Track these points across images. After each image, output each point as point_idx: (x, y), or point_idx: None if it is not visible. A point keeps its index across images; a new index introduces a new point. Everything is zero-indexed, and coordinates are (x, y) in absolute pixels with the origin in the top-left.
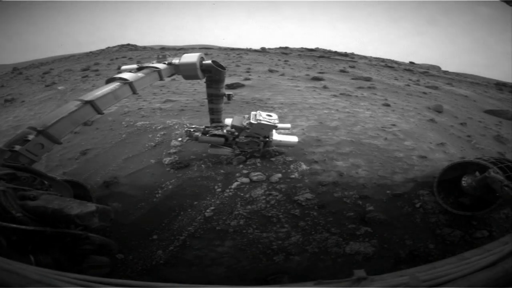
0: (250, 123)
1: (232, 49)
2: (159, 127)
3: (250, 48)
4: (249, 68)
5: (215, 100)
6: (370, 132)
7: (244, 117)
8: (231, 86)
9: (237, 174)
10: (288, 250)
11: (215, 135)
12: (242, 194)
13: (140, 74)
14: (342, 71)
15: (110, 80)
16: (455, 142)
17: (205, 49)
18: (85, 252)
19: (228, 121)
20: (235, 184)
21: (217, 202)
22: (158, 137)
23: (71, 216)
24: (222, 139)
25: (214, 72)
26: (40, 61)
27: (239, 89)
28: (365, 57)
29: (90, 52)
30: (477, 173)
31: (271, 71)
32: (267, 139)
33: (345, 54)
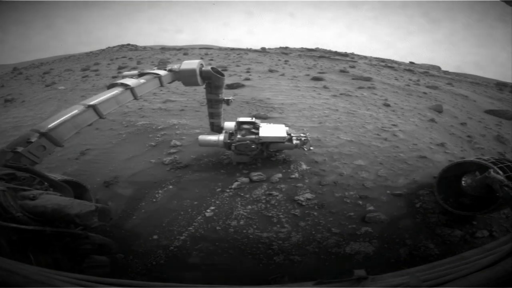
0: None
1: (232, 49)
2: (159, 127)
3: (250, 48)
4: (249, 68)
5: (215, 105)
6: (370, 132)
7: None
8: (231, 86)
9: (237, 174)
10: (289, 250)
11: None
12: (242, 194)
13: (141, 80)
14: (342, 71)
15: (112, 86)
16: (455, 142)
17: (205, 49)
18: (85, 251)
19: (227, 124)
20: (235, 184)
21: (217, 202)
22: (158, 137)
23: (70, 216)
24: (221, 142)
25: (213, 79)
26: (40, 61)
27: (239, 89)
28: (365, 57)
29: (90, 52)
30: (477, 173)
31: (271, 71)
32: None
33: (345, 54)
